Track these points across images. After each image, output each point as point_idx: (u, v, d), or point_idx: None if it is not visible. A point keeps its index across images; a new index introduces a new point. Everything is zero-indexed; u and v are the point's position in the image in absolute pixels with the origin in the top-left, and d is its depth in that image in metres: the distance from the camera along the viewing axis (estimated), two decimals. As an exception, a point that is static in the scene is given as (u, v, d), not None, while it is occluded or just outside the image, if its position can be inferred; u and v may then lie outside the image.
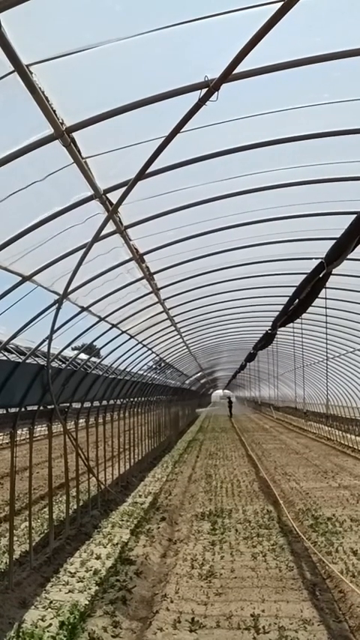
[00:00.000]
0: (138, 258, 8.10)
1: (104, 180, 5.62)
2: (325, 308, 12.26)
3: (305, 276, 8.80)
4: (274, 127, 5.64)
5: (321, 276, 8.13)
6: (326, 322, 13.52)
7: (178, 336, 17.39)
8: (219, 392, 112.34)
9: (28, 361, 8.65)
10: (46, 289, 7.36)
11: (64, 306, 7.71)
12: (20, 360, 8.51)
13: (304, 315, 10.76)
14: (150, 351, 16.75)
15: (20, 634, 6.76)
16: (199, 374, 38.35)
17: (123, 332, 12.32)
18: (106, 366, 13.99)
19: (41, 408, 9.79)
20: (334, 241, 7.34)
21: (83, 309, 9.00)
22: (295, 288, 9.61)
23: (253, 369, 34.03)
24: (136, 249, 7.82)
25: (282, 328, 13.37)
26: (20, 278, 6.58)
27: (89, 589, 8.24)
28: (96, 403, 13.88)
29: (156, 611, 7.41)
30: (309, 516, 12.28)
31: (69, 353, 11.54)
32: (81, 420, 12.92)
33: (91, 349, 12.77)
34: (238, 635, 6.77)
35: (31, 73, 3.84)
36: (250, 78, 4.46)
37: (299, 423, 38.14)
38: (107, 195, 5.82)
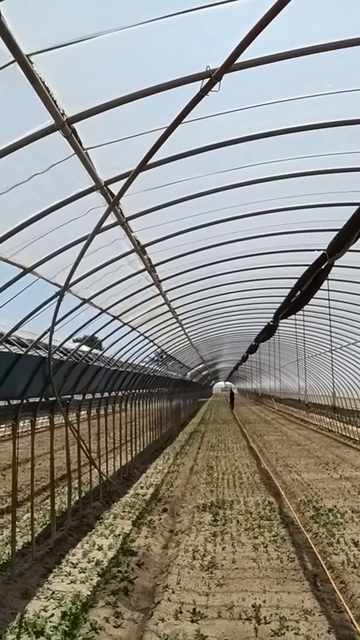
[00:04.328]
0: (139, 249, 8.07)
1: (105, 171, 5.59)
2: (329, 300, 12.24)
3: (307, 267, 8.77)
4: (276, 118, 5.59)
5: (323, 267, 8.11)
6: (329, 314, 13.50)
7: (180, 328, 17.38)
8: (220, 384, 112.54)
9: (29, 353, 8.66)
10: (48, 281, 7.34)
11: (66, 298, 7.70)
12: (22, 352, 8.52)
13: (306, 307, 10.73)
14: (151, 343, 16.75)
15: (23, 624, 6.80)
16: (200, 366, 38.38)
17: (124, 324, 12.32)
18: (108, 357, 14.01)
19: (43, 399, 9.81)
20: (337, 232, 7.31)
21: (85, 301, 8.99)
22: (297, 279, 9.58)
23: (254, 360, 34.07)
24: (137, 240, 7.79)
25: (284, 320, 13.34)
26: (22, 270, 6.56)
27: (91, 580, 8.28)
28: (97, 395, 13.89)
29: (158, 602, 7.45)
30: (310, 508, 12.31)
31: (71, 345, 11.56)
32: (83, 412, 12.95)
33: (92, 341, 12.77)
34: (239, 625, 6.80)
35: (32, 62, 3.80)
36: (252, 68, 4.41)
37: (300, 415, 38.21)
38: (108, 186, 5.79)
